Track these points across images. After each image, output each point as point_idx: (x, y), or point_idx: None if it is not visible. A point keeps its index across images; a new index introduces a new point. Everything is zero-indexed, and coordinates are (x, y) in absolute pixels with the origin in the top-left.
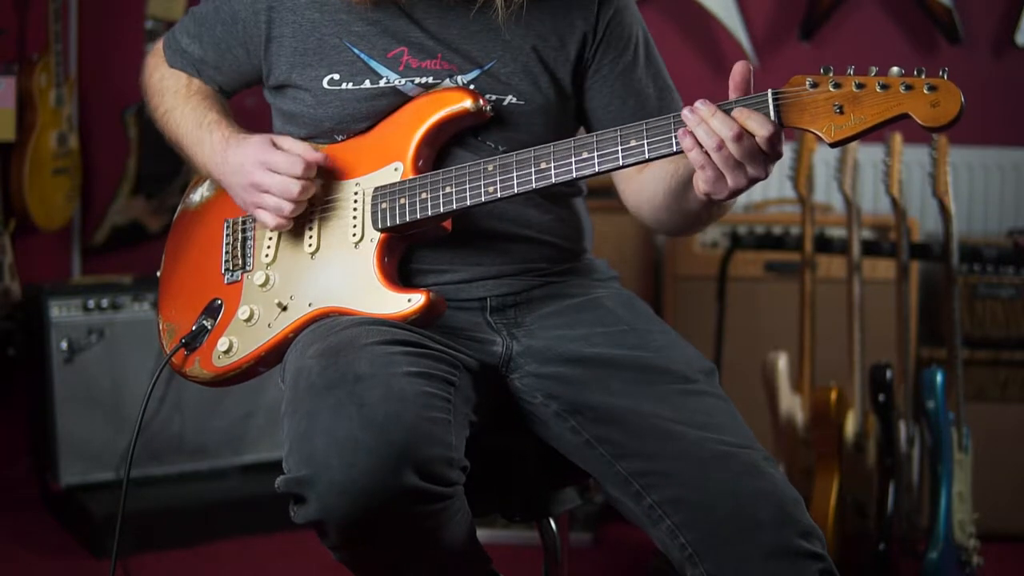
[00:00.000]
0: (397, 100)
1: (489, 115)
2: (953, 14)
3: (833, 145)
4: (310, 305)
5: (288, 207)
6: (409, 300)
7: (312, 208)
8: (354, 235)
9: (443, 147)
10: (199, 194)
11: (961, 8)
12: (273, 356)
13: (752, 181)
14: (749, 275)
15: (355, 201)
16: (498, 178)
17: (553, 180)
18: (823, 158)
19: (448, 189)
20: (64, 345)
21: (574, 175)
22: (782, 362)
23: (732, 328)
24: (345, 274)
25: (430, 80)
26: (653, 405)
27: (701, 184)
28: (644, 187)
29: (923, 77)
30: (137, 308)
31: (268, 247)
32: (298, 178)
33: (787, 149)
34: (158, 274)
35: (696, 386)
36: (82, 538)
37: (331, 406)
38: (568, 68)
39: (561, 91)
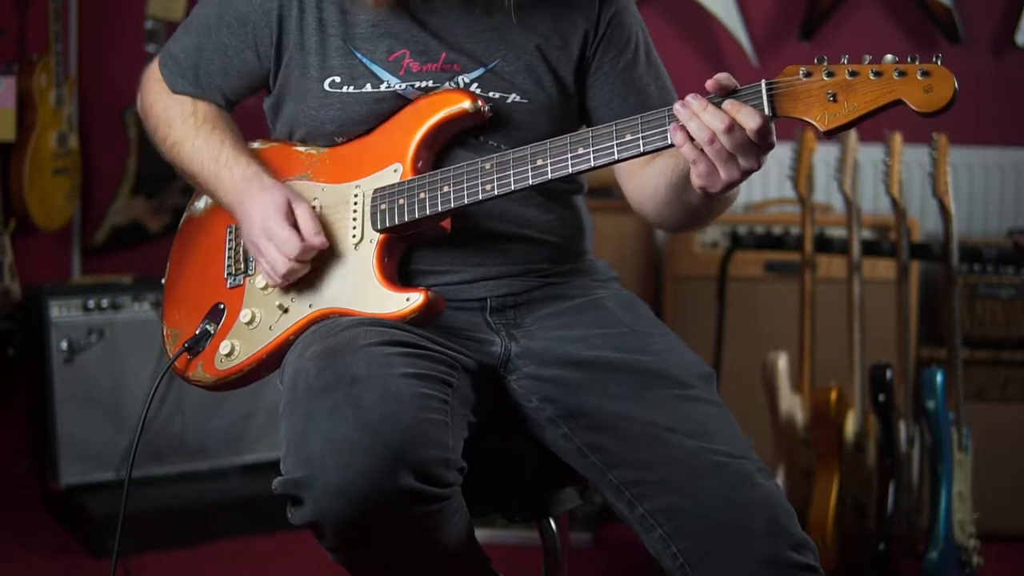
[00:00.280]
0: (398, 104)
1: (488, 116)
2: (953, 14)
3: (827, 133)
4: (310, 307)
5: (276, 279)
6: (408, 299)
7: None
8: (354, 236)
9: (445, 148)
10: (203, 201)
11: (961, 8)
12: (274, 359)
13: (745, 173)
14: (749, 275)
15: (355, 203)
16: (495, 176)
17: (550, 176)
18: (823, 158)
19: (446, 188)
20: (64, 345)
21: (570, 170)
22: (782, 362)
23: (732, 328)
24: (345, 275)
25: (430, 84)
26: (648, 411)
27: (695, 178)
28: (646, 183)
29: (916, 63)
30: (137, 308)
31: None
32: (289, 260)
33: (787, 149)
34: (163, 281)
35: (693, 392)
36: (82, 538)
37: (328, 408)
38: (571, 66)
39: (564, 89)
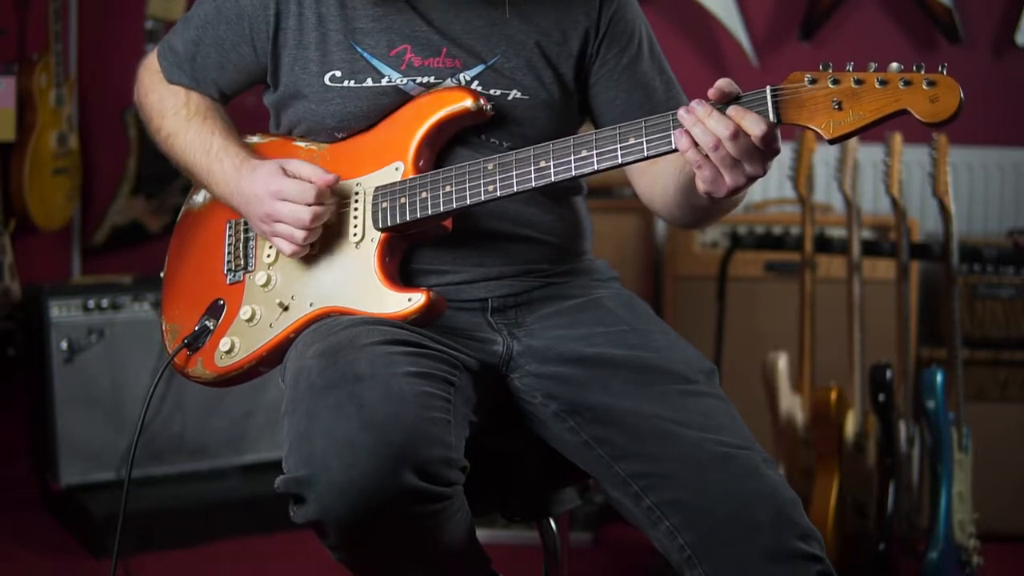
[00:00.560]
0: (399, 99)
1: (489, 115)
2: (953, 14)
3: (832, 142)
4: (311, 305)
5: (301, 235)
6: (409, 299)
7: None
8: (355, 235)
9: (446, 146)
10: (202, 195)
11: (961, 8)
12: (274, 356)
13: (751, 179)
14: (749, 275)
15: (356, 201)
16: (498, 177)
17: (552, 178)
18: (823, 158)
19: (448, 188)
20: (64, 345)
21: (573, 173)
22: (782, 362)
23: (732, 328)
24: (346, 274)
25: (432, 79)
26: (653, 406)
27: (700, 184)
28: (656, 180)
29: (922, 73)
30: (137, 308)
31: (270, 248)
32: (310, 205)
33: (787, 149)
34: (161, 275)
35: (696, 387)
36: (82, 538)
37: (330, 406)
38: (571, 63)
39: (564, 86)
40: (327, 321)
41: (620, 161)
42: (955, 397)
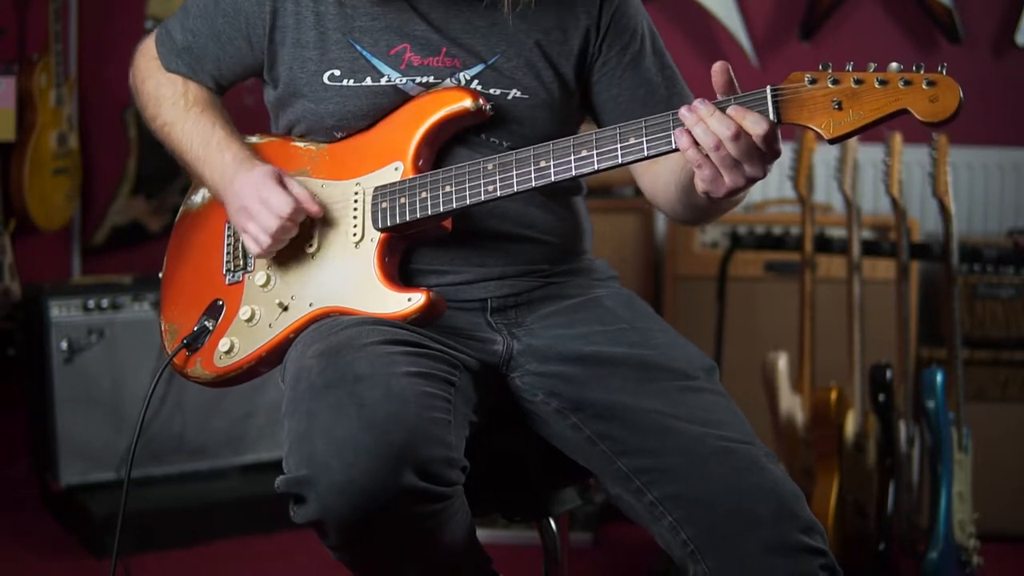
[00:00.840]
0: (398, 98)
1: (489, 114)
2: (953, 14)
3: (832, 141)
4: (311, 305)
5: (265, 241)
6: (409, 299)
7: None
8: (355, 235)
9: (446, 145)
10: (201, 195)
11: (961, 8)
12: (274, 356)
13: (750, 180)
14: (749, 275)
15: (355, 201)
16: (498, 177)
17: (552, 178)
18: (823, 158)
19: (448, 188)
20: (64, 345)
21: (573, 173)
22: (782, 362)
23: (732, 328)
24: (346, 274)
25: (431, 79)
26: (653, 402)
27: (699, 183)
28: (659, 177)
29: (922, 73)
30: (137, 308)
31: None
32: (280, 218)
33: (787, 149)
34: (160, 275)
35: (696, 383)
36: (82, 538)
37: (331, 406)
38: (571, 62)
39: (565, 85)
40: (327, 321)
41: (620, 161)
42: (955, 397)
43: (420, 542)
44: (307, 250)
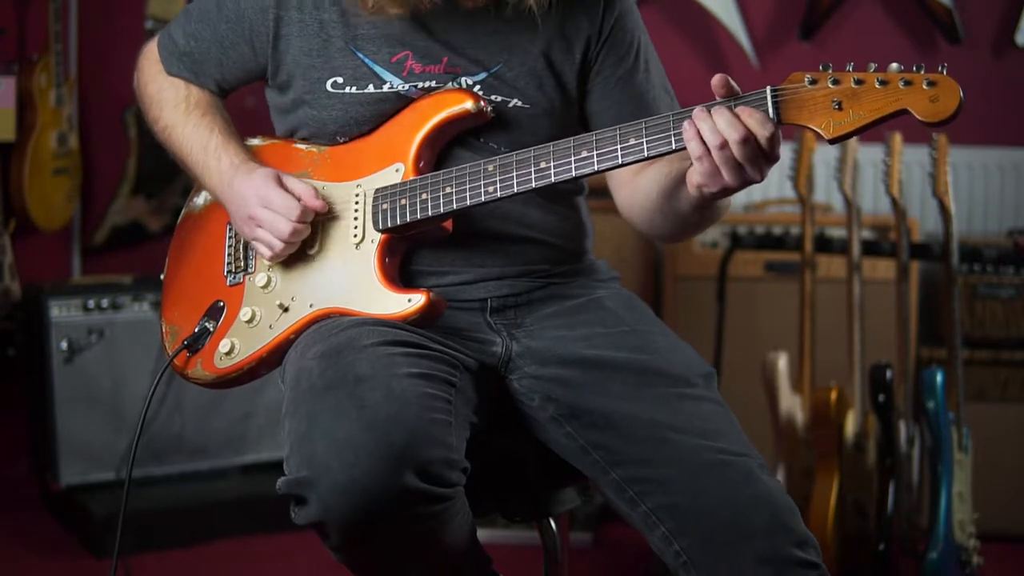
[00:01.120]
0: (400, 105)
1: (490, 116)
2: (953, 14)
3: (832, 141)
4: (311, 306)
5: (278, 245)
6: (409, 300)
7: None
8: (355, 236)
9: (445, 148)
10: (203, 197)
11: (961, 8)
12: (275, 357)
13: (746, 183)
14: (749, 275)
15: (356, 202)
16: (498, 178)
17: (553, 179)
18: (823, 158)
19: (448, 189)
20: (64, 345)
21: (573, 174)
22: (782, 362)
23: (732, 328)
24: (346, 275)
25: (433, 85)
26: (650, 410)
27: (695, 176)
28: (638, 189)
29: (922, 73)
30: (137, 308)
31: None
32: (291, 221)
33: (787, 149)
34: (162, 276)
35: (695, 390)
36: (82, 538)
37: (332, 407)
38: (574, 71)
39: (566, 95)
40: (327, 322)
41: (621, 161)
42: (955, 397)
43: (421, 543)
44: (308, 251)
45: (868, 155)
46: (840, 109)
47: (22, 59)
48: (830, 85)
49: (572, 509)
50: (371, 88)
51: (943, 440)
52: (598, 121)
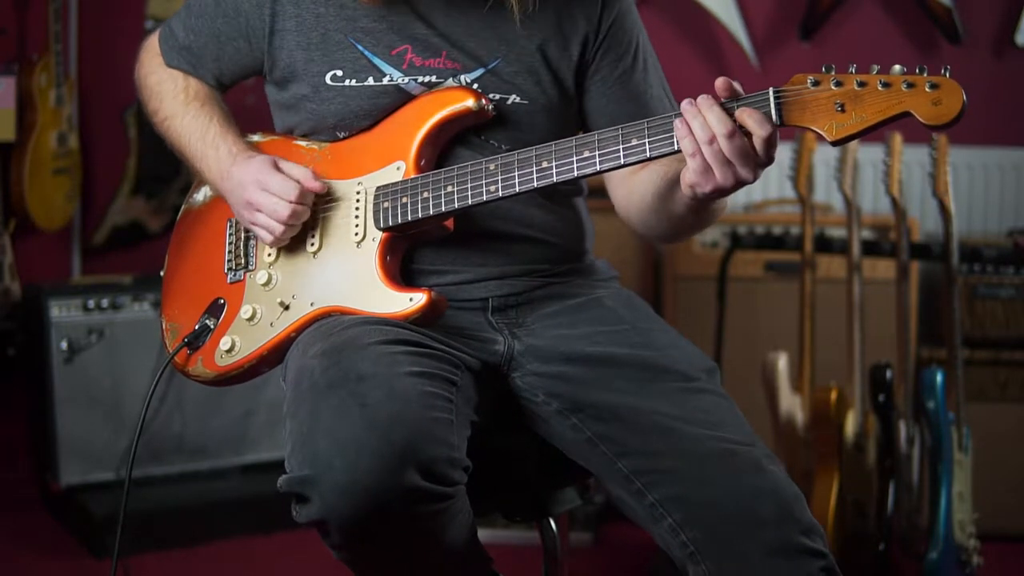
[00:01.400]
0: (400, 98)
1: (491, 114)
2: (953, 14)
3: (835, 143)
4: (312, 304)
5: (278, 228)
6: (411, 299)
7: (315, 207)
8: (356, 234)
9: (446, 146)
10: (202, 194)
11: (961, 8)
12: (275, 355)
13: (738, 183)
14: (749, 275)
15: (357, 200)
16: (499, 177)
17: (555, 179)
18: (823, 158)
19: (450, 188)
20: (64, 345)
21: (575, 174)
22: (782, 362)
23: (732, 328)
24: (347, 273)
25: (433, 79)
26: (655, 403)
27: (688, 174)
28: (634, 190)
29: (925, 75)
30: (137, 308)
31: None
32: (290, 203)
33: (787, 149)
34: (161, 274)
35: (697, 384)
36: (82, 538)
37: (333, 406)
38: (571, 68)
39: (564, 91)
40: (328, 321)
41: (623, 162)
42: (955, 397)
43: (422, 542)
44: (308, 249)
45: (868, 155)
46: (843, 111)
47: (22, 59)
48: (833, 87)
49: (572, 509)
50: (371, 81)
51: (943, 440)
52: (596, 120)
